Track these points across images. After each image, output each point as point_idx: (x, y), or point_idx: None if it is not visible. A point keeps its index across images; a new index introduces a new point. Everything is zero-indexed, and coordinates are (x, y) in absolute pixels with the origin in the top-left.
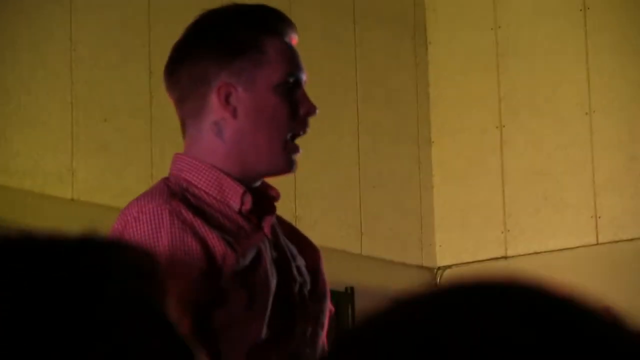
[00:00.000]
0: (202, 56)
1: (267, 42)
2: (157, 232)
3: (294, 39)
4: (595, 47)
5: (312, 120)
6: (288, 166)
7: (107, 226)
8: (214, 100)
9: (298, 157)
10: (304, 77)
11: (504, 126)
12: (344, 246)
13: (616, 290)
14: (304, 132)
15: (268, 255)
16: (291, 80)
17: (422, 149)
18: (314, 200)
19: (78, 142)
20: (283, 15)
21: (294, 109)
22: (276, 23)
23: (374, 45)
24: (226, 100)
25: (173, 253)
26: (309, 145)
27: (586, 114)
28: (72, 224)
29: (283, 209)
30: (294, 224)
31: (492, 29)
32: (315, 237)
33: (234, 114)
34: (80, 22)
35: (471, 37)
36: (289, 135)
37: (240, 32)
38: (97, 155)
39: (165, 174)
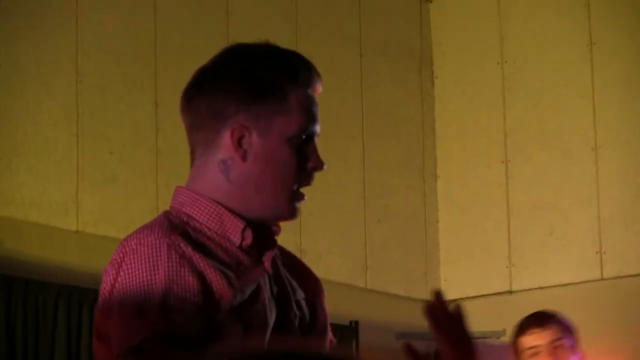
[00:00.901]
0: (224, 90)
1: (290, 92)
2: (155, 266)
3: (318, 90)
4: (602, 82)
5: (324, 149)
6: (290, 214)
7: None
8: (226, 138)
9: (301, 204)
10: (318, 129)
11: (509, 160)
12: (349, 280)
13: (621, 324)
14: (308, 184)
15: (267, 290)
16: (305, 134)
17: (427, 182)
18: (319, 233)
19: (84, 173)
20: (311, 65)
21: (302, 163)
22: (303, 73)
23: (380, 79)
24: (239, 141)
25: (169, 287)
26: (315, 178)
27: (592, 149)
28: (76, 256)
29: (288, 242)
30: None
31: (498, 63)
32: (320, 270)
33: (244, 156)
34: (86, 54)
35: (477, 71)
36: (294, 187)
37: (266, 77)
38: (102, 187)
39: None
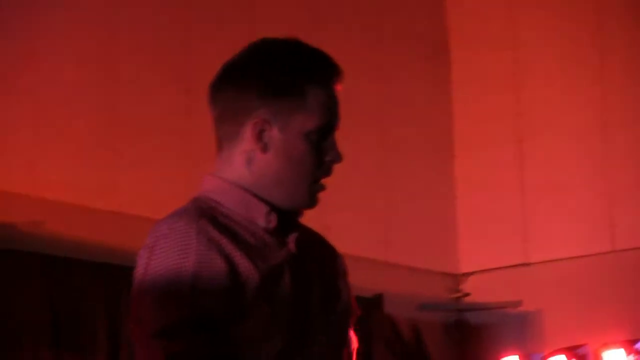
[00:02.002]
0: (248, 85)
1: (310, 90)
2: (185, 250)
3: (338, 87)
4: (610, 65)
5: (344, 132)
6: (308, 204)
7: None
8: (248, 131)
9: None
10: (338, 124)
11: (522, 141)
12: (372, 254)
13: (633, 295)
14: (327, 176)
15: (291, 270)
16: (323, 130)
17: (446, 162)
18: (343, 210)
19: (121, 157)
20: (332, 62)
21: (320, 156)
22: (323, 71)
23: (399, 64)
24: (259, 134)
25: (199, 270)
26: (339, 164)
27: (601, 128)
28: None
29: (312, 218)
30: (323, 233)
31: (510, 49)
32: (344, 245)
33: (264, 149)
34: (119, 45)
35: (491, 56)
36: (312, 179)
37: (288, 74)
38: (138, 170)
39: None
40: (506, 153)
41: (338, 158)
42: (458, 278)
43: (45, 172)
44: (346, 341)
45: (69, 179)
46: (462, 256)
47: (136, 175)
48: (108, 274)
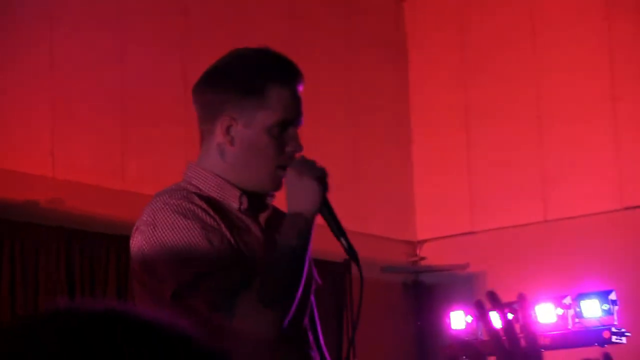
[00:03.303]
0: (220, 87)
1: (271, 90)
2: (186, 216)
3: (299, 88)
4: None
5: (320, 121)
6: (274, 188)
7: None
8: (220, 126)
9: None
10: (299, 119)
11: (469, 129)
12: (343, 225)
13: (563, 259)
14: (289, 164)
15: (259, 235)
16: (283, 124)
17: (405, 146)
18: None
19: (129, 143)
20: (293, 66)
21: (281, 147)
22: (284, 73)
23: (366, 64)
24: (227, 130)
25: (205, 232)
26: (313, 147)
27: (536, 118)
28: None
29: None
30: None
31: (459, 51)
32: (318, 218)
33: (232, 142)
34: (127, 49)
35: (443, 57)
36: (275, 166)
37: (252, 76)
38: (143, 154)
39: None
40: (456, 139)
41: (298, 148)
42: (415, 244)
43: (64, 157)
44: (310, 307)
45: (85, 162)
46: (419, 225)
47: (142, 159)
48: (118, 244)
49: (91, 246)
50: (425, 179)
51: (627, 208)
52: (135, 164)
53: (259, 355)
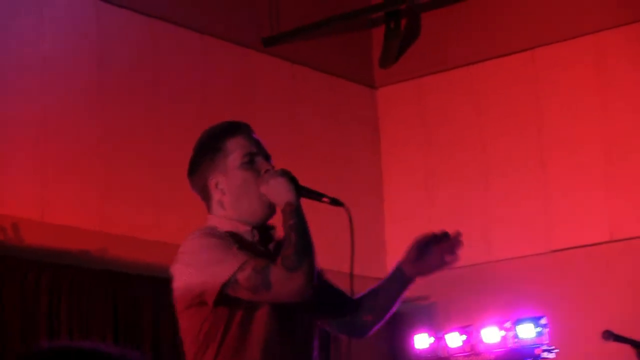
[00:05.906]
0: (200, 164)
1: (229, 142)
2: (206, 236)
3: (252, 134)
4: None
5: (311, 178)
6: (268, 213)
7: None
8: (212, 188)
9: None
10: (262, 151)
11: (430, 189)
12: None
13: (506, 286)
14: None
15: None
16: (248, 157)
17: (378, 202)
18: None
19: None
20: (242, 124)
21: (257, 172)
22: (234, 128)
23: (344, 141)
24: (216, 186)
25: (218, 241)
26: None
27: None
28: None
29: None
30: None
31: (422, 130)
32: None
33: (223, 192)
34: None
35: (404, 133)
36: (260, 194)
37: (214, 142)
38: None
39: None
40: (418, 195)
41: (271, 167)
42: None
43: (111, 213)
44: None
45: (128, 217)
46: (389, 265)
47: (175, 213)
48: (155, 286)
49: (132, 287)
50: (396, 226)
51: (553, 251)
52: (168, 218)
53: (269, 347)
